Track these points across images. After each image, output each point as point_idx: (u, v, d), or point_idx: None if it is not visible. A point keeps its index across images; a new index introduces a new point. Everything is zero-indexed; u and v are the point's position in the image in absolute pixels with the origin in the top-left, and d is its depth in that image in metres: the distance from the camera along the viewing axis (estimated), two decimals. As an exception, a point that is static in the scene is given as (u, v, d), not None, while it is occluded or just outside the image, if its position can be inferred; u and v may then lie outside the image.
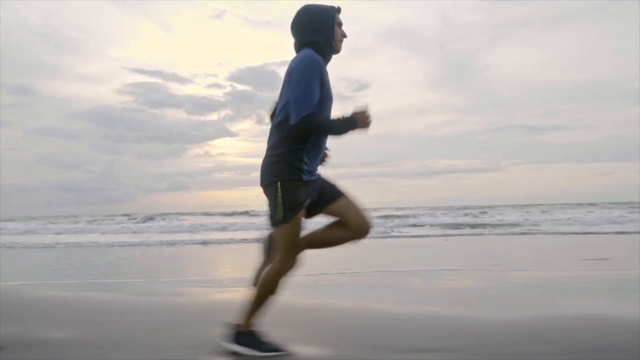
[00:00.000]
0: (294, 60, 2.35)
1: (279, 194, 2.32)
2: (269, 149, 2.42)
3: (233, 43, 63.92)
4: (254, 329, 2.51)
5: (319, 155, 2.46)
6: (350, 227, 2.49)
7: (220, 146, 63.75)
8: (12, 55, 49.08)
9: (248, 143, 64.76)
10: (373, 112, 2.40)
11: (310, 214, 2.53)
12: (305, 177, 2.38)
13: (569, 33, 51.59)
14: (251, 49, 65.83)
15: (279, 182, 2.32)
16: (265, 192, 2.42)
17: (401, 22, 55.92)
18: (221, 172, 64.08)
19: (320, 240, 2.53)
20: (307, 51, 2.33)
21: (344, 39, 2.49)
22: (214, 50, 65.95)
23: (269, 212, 2.42)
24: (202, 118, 58.07)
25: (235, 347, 2.49)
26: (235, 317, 2.59)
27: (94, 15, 53.29)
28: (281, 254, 2.44)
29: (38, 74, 54.98)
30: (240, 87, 57.93)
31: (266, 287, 2.45)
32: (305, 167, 2.37)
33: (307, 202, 2.43)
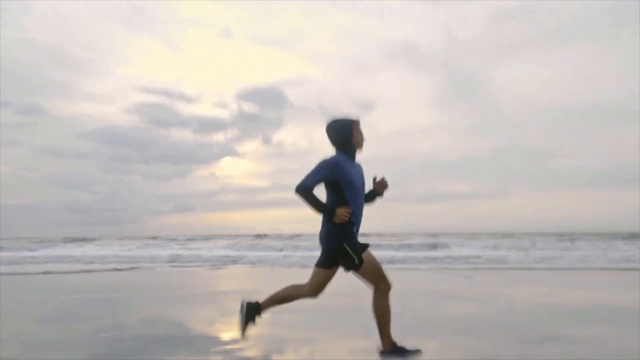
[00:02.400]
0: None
1: (349, 250, 3.15)
2: (326, 221, 3.26)
3: (240, 62, 64.68)
4: (394, 344, 3.29)
5: (360, 209, 3.35)
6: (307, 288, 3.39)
7: (226, 167, 63.85)
8: (20, 75, 50.09)
9: (254, 165, 64.99)
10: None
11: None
12: (355, 235, 3.27)
13: (575, 52, 50.25)
14: (258, 68, 66.51)
15: (344, 244, 3.16)
16: (335, 250, 3.21)
17: (406, 39, 56.24)
18: (227, 194, 64.23)
19: (284, 298, 3.43)
20: (336, 155, 3.29)
21: (364, 140, 3.38)
22: (220, 69, 66.45)
23: (346, 263, 3.18)
24: (208, 138, 58.47)
25: None
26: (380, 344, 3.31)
27: (102, 35, 54.21)
28: (375, 285, 3.27)
29: (46, 93, 55.78)
30: (246, 106, 58.40)
31: (382, 312, 3.27)
32: (354, 225, 3.25)
33: (367, 244, 3.31)
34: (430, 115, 58.26)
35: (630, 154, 53.67)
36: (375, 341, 3.25)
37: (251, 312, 3.38)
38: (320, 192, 3.25)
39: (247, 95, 55.19)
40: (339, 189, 3.22)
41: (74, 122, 55.28)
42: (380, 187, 3.44)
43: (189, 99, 57.63)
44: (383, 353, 3.28)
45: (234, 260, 15.44)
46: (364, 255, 3.18)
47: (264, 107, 54.98)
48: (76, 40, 52.82)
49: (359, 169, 3.39)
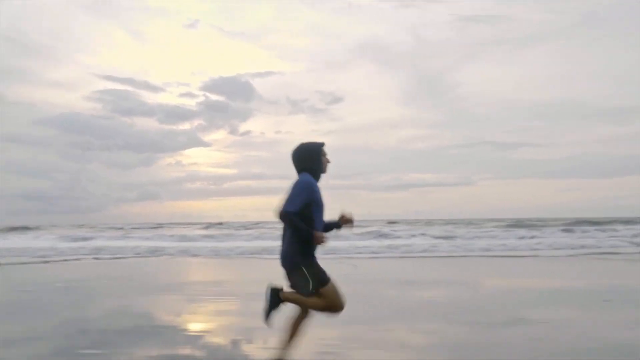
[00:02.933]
0: (297, 180, 3.32)
1: (306, 274, 3.14)
2: (287, 240, 3.24)
3: (207, 53, 63.73)
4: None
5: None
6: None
7: (193, 156, 63.07)
8: (-22, 59, 47.61)
9: (221, 153, 64.50)
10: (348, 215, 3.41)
11: None
12: (315, 257, 3.24)
13: (537, 53, 53.57)
14: (225, 60, 65.71)
15: (302, 267, 3.14)
16: (293, 271, 3.19)
17: (375, 37, 56.89)
18: (193, 182, 63.36)
19: (307, 302, 3.24)
20: (303, 175, 3.32)
21: (329, 163, 3.45)
22: (187, 60, 65.30)
23: (300, 286, 3.16)
24: (174, 127, 57.31)
25: None
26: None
27: (65, 21, 52.34)
28: (327, 306, 3.16)
29: (5, 78, 53.20)
30: (213, 97, 57.72)
31: (299, 331, 3.20)
32: (314, 250, 3.22)
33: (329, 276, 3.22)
34: (397, 110, 59.38)
35: (589, 148, 56.97)
36: (350, 329, 3.27)
37: (273, 300, 3.28)
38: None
39: (215, 87, 54.60)
40: (308, 208, 3.21)
41: (33, 109, 53.46)
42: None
43: (154, 89, 56.60)
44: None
45: (155, 251, 14.63)
46: (324, 288, 3.11)
47: (232, 98, 54.36)
48: (38, 26, 50.74)
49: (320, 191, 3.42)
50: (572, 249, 13.63)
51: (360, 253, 12.75)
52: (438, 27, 53.65)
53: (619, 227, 22.34)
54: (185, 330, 4.18)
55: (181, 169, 62.14)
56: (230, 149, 63.30)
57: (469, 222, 31.33)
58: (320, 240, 3.14)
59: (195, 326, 4.32)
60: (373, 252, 13.09)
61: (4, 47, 48.45)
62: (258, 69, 64.86)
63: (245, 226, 30.85)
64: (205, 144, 60.92)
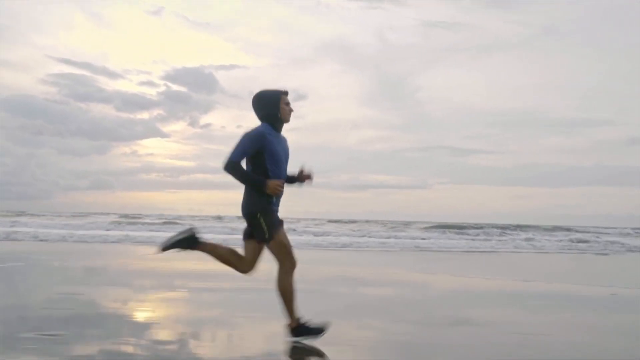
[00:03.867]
0: (250, 128, 3.27)
1: (262, 220, 3.13)
2: (246, 188, 3.23)
3: (170, 42, 62.02)
4: (299, 321, 3.27)
5: (279, 194, 3.27)
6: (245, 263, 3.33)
7: (150, 146, 61.52)
8: None
9: (179, 145, 63.13)
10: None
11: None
12: (274, 208, 3.26)
13: (497, 62, 55.15)
14: (189, 50, 64.08)
15: (258, 213, 3.14)
16: (249, 220, 3.21)
17: (340, 37, 57.15)
18: (148, 173, 61.62)
19: (220, 255, 3.33)
20: (260, 126, 3.26)
21: (292, 112, 3.35)
22: (149, 48, 63.48)
23: (258, 234, 3.18)
24: (131, 116, 55.52)
25: (298, 339, 3.29)
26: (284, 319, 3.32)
27: (19, 1, 49.74)
28: (281, 262, 3.22)
29: (-46, 55, 50.37)
30: (175, 87, 56.38)
31: (287, 291, 3.23)
32: (273, 200, 3.22)
33: (280, 221, 3.25)
34: (359, 111, 59.76)
35: (541, 156, 59.43)
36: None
37: (187, 241, 3.23)
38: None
39: (176, 76, 53.08)
40: (261, 159, 3.18)
41: (-20, 89, 50.45)
42: (304, 179, 3.42)
43: (113, 75, 54.69)
44: (291, 330, 3.27)
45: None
46: (276, 232, 3.15)
47: (194, 90, 53.29)
48: (-6, 4, 48.06)
49: (283, 142, 3.35)
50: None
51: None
52: (403, 31, 54.46)
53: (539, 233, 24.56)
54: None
55: (137, 159, 60.46)
56: (189, 141, 61.92)
57: (407, 224, 31.88)
58: (274, 188, 3.11)
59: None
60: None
61: (-44, 24, 45.49)
62: (222, 61, 63.61)
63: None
64: (164, 135, 59.19)
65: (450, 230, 25.10)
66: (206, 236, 3.43)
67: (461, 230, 24.93)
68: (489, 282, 7.28)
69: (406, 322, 4.23)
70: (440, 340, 3.64)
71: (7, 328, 3.51)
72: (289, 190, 3.34)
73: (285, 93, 3.32)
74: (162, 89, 52.96)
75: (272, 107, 3.26)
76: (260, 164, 3.18)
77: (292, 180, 3.40)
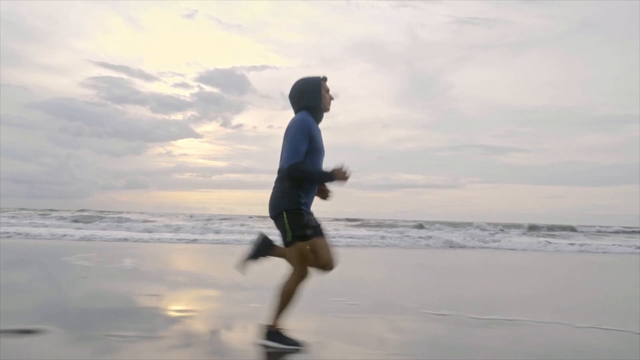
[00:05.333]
0: (291, 120, 3.01)
1: (286, 220, 2.90)
2: (274, 187, 3.01)
3: (203, 44, 63.14)
4: (279, 328, 3.07)
5: (311, 193, 3.06)
6: (320, 261, 3.05)
7: (183, 147, 62.69)
8: (-27, 41, 46.89)
9: (212, 145, 64.13)
10: (348, 166, 2.99)
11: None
12: (303, 207, 2.97)
13: (532, 59, 53.81)
14: (221, 51, 65.12)
15: (284, 212, 2.90)
16: (274, 219, 2.98)
17: (371, 36, 56.87)
18: (182, 173, 63.00)
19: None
20: (300, 114, 2.99)
21: (332, 101, 3.10)
22: (183, 50, 64.68)
23: (281, 235, 2.97)
24: (166, 117, 56.87)
25: (267, 343, 3.05)
26: (266, 319, 3.15)
27: (61, 6, 51.61)
28: (295, 268, 3.00)
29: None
30: (207, 88, 57.23)
31: (287, 296, 3.01)
32: (302, 200, 2.96)
33: (311, 225, 2.98)
34: (389, 110, 59.34)
35: (578, 154, 57.71)
36: (319, 320, 3.27)
37: (262, 249, 3.11)
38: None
39: (209, 78, 54.05)
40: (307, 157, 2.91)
41: (26, 92, 52.40)
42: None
43: (148, 77, 55.79)
44: (268, 332, 3.04)
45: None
46: (305, 241, 2.89)
47: (226, 91, 54.07)
48: (35, 10, 49.70)
49: (320, 133, 3.06)
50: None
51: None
52: (434, 28, 53.80)
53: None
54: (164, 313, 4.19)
55: (171, 159, 61.81)
56: (221, 141, 62.99)
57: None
58: (343, 176, 2.88)
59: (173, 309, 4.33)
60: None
61: (1, 31, 47.59)
62: (253, 62, 64.50)
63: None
64: (197, 135, 60.45)
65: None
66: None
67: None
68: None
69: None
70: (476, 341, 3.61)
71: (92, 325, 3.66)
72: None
73: (325, 79, 3.07)
74: (196, 90, 53.99)
75: (313, 95, 2.99)
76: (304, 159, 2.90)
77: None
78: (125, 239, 13.35)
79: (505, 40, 53.41)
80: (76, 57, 55.07)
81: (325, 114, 3.13)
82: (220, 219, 30.07)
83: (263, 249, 3.13)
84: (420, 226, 25.16)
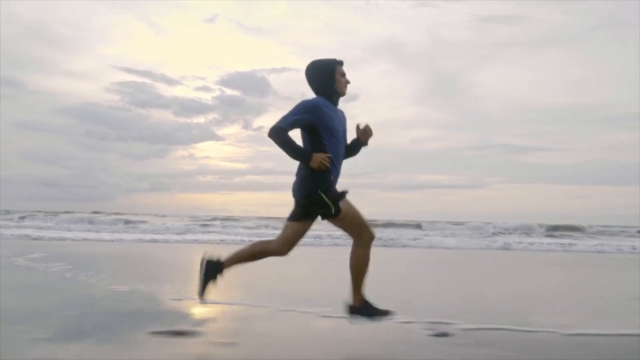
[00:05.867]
0: None
1: (324, 196, 2.90)
2: (301, 169, 3.02)
3: (224, 47, 63.82)
4: (364, 300, 3.06)
5: (339, 170, 3.11)
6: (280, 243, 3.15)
7: (206, 149, 63.40)
8: (2, 48, 48.42)
9: (233, 148, 64.66)
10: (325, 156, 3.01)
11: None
12: (333, 183, 3.03)
13: (556, 56, 52.81)
14: (242, 55, 65.70)
15: (319, 192, 2.91)
16: (310, 201, 2.97)
17: (391, 36, 56.65)
18: (204, 175, 63.66)
19: (249, 255, 3.20)
20: (316, 97, 3.01)
21: (348, 84, 3.07)
22: (204, 54, 65.50)
23: (324, 212, 2.95)
24: (188, 120, 57.63)
25: (357, 319, 3.09)
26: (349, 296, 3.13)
27: (86, 13, 52.76)
28: (356, 234, 2.99)
29: (26, 67, 54.15)
30: (229, 91, 57.79)
31: (360, 264, 3.00)
32: (331, 178, 3.00)
33: (345, 191, 3.00)
34: (410, 110, 58.97)
35: (605, 153, 56.51)
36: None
37: (212, 271, 3.08)
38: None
39: (230, 81, 54.57)
40: (317, 134, 2.93)
41: (52, 98, 53.93)
42: (364, 136, 3.16)
43: (171, 82, 56.60)
44: (351, 309, 3.06)
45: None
46: (342, 204, 2.92)
47: (247, 93, 54.57)
48: (60, 17, 51.09)
49: (341, 116, 3.11)
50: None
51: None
52: (455, 26, 53.16)
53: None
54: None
55: (193, 162, 62.46)
56: (242, 143, 63.42)
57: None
58: (319, 161, 2.86)
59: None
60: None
61: (27, 38, 49.02)
62: (274, 64, 64.71)
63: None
64: (219, 138, 61.04)
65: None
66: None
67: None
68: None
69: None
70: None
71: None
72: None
73: (341, 63, 3.06)
74: (217, 93, 54.53)
75: (326, 78, 3.01)
76: (318, 142, 2.94)
77: (351, 149, 3.17)
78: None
79: (528, 38, 52.68)
80: (101, 63, 56.36)
81: (346, 112, 3.17)
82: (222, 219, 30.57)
83: (213, 269, 3.12)
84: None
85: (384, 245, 14.55)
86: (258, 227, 23.22)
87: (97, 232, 17.92)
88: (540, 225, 26.66)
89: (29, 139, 55.36)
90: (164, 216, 35.76)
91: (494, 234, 21.88)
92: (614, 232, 26.15)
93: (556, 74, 55.32)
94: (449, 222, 26.82)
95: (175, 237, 16.20)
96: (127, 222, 24.04)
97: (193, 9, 59.85)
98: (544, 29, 50.85)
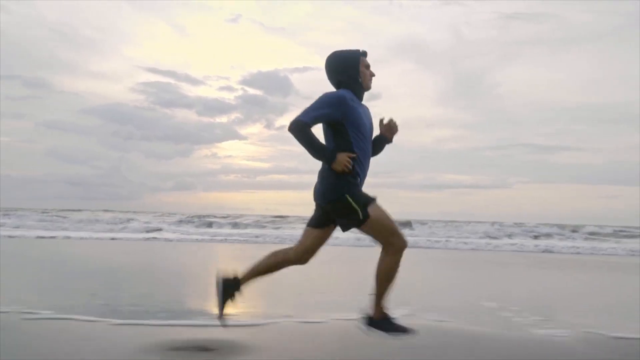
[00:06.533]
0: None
1: (351, 200, 2.60)
2: (327, 170, 2.70)
3: (247, 47, 64.26)
4: (385, 313, 2.79)
5: (366, 168, 2.82)
6: (299, 251, 2.88)
7: (228, 149, 64.02)
8: (29, 50, 49.83)
9: (256, 147, 65.08)
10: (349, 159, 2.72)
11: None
12: (359, 179, 2.74)
13: (581, 55, 51.56)
14: (264, 54, 65.94)
15: (346, 196, 2.61)
16: (335, 205, 2.66)
17: (414, 36, 56.22)
18: (227, 174, 64.24)
19: (266, 268, 2.92)
20: (341, 90, 2.72)
21: (373, 77, 2.83)
22: (227, 54, 66.08)
23: (350, 219, 2.63)
24: (211, 120, 58.19)
25: (374, 331, 2.81)
26: (369, 307, 2.86)
27: (111, 15, 53.74)
28: (386, 242, 2.66)
29: (53, 69, 55.40)
30: (251, 91, 58.14)
31: (388, 272, 2.69)
32: (358, 179, 2.73)
33: (373, 196, 2.71)
34: (433, 109, 58.40)
35: (634, 153, 55.02)
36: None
37: (229, 288, 2.84)
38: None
39: (253, 81, 54.80)
40: (343, 131, 2.65)
41: (78, 98, 54.90)
42: (389, 132, 2.90)
43: (194, 81, 57.24)
44: (370, 320, 2.79)
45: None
46: (371, 209, 2.61)
47: (270, 93, 54.82)
48: (86, 19, 52.19)
49: (367, 111, 2.82)
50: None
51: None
52: (479, 25, 52.30)
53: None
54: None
55: (217, 161, 63.02)
56: (265, 142, 63.68)
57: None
58: (342, 162, 2.58)
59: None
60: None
61: (55, 40, 50.34)
62: (296, 64, 64.95)
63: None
64: (242, 137, 61.39)
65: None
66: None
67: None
68: None
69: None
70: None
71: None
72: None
73: (364, 54, 2.80)
74: (240, 93, 54.85)
75: (349, 70, 2.73)
76: (345, 140, 2.66)
77: (375, 147, 2.88)
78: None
79: (554, 36, 51.42)
80: (126, 64, 57.32)
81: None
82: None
83: (230, 287, 2.86)
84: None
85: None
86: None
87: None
88: (576, 226, 26.05)
89: (56, 139, 56.73)
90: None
91: (536, 236, 21.32)
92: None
93: (581, 72, 54.07)
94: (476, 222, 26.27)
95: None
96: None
97: (216, 10, 60.47)
98: (569, 28, 49.69)
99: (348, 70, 2.73)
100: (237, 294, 2.87)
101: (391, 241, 2.64)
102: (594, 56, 51.76)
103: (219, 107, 55.49)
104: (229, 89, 61.10)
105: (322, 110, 2.61)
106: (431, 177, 66.04)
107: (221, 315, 2.86)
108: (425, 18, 54.12)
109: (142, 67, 59.11)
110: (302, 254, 2.83)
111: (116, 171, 54.89)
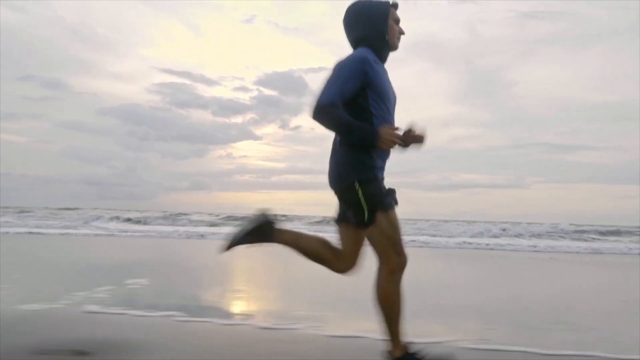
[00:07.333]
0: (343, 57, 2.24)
1: (360, 193, 2.15)
2: (339, 150, 2.26)
3: (261, 48, 64.79)
4: (406, 348, 2.28)
5: (388, 153, 2.32)
6: (342, 258, 2.38)
7: (243, 149, 64.47)
8: (46, 51, 51.02)
9: (271, 147, 65.43)
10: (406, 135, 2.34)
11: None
12: (379, 174, 2.22)
13: (598, 52, 50.90)
14: (279, 55, 66.60)
15: (356, 181, 2.16)
16: (343, 192, 2.23)
17: (429, 35, 55.94)
18: (242, 175, 64.69)
19: (306, 249, 2.38)
20: (358, 50, 2.24)
21: (402, 36, 2.37)
22: (242, 54, 66.81)
23: (354, 214, 2.21)
24: (227, 120, 58.83)
25: None
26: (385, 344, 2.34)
27: (127, 16, 54.72)
28: (382, 258, 2.21)
29: (70, 69, 56.68)
30: (266, 91, 58.57)
31: (388, 300, 2.21)
32: (377, 164, 2.22)
33: (391, 199, 2.23)
34: (449, 108, 58.06)
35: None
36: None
37: (260, 232, 2.28)
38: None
39: (268, 81, 55.32)
40: (361, 97, 2.15)
41: (95, 99, 56.06)
42: (413, 141, 2.34)
43: (210, 82, 57.79)
44: (391, 355, 2.26)
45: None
46: (380, 214, 2.14)
47: (284, 93, 55.17)
48: (103, 20, 53.34)
49: (389, 77, 2.31)
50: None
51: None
52: (495, 23, 52.01)
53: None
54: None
55: (231, 162, 63.62)
56: (280, 143, 64.13)
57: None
58: (389, 140, 2.07)
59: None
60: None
61: (71, 40, 51.20)
62: (311, 64, 65.16)
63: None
64: (256, 138, 61.90)
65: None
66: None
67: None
68: None
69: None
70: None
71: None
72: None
73: (395, 5, 2.33)
74: (255, 93, 55.47)
75: (377, 24, 2.23)
76: (362, 107, 2.16)
77: None
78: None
79: (571, 34, 50.95)
80: (142, 65, 58.20)
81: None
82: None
83: (261, 232, 2.29)
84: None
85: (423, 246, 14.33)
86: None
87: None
88: (592, 226, 25.64)
89: (73, 139, 57.74)
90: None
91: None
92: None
93: (601, 70, 53.36)
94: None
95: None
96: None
97: (231, 10, 61.03)
98: (588, 24, 49.17)
99: (375, 24, 2.23)
100: (257, 241, 2.31)
101: (389, 257, 2.18)
102: (610, 54, 51.10)
103: (234, 108, 56.08)
104: (244, 89, 61.70)
105: (344, 80, 2.12)
106: (446, 176, 65.70)
107: (229, 247, 2.31)
108: (441, 16, 53.89)
109: (158, 68, 59.95)
110: (343, 264, 2.37)
111: (132, 171, 55.81)
